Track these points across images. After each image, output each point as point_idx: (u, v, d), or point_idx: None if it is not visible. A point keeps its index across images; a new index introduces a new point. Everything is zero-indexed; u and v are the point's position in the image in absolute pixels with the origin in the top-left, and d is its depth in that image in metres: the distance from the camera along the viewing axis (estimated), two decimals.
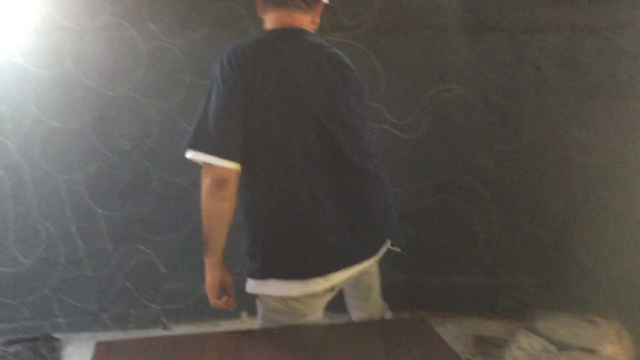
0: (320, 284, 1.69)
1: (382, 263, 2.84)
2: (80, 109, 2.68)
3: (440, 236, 2.86)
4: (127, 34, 2.64)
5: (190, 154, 1.59)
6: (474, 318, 2.91)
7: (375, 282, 2.29)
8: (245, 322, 2.97)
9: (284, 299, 1.70)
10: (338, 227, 1.70)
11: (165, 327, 2.95)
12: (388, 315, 2.40)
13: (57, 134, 2.69)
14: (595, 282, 2.76)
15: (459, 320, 2.92)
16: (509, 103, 2.69)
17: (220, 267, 1.76)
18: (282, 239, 1.69)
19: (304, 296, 1.73)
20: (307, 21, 1.75)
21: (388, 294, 2.86)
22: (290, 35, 1.71)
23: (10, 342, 2.78)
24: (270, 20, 1.73)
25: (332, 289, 1.74)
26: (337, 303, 2.75)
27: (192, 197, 2.77)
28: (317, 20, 1.79)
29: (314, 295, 1.71)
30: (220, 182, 1.61)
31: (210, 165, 1.57)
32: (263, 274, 1.69)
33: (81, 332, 2.91)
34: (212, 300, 1.79)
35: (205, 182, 1.60)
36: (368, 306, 2.30)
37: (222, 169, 1.59)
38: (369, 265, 1.83)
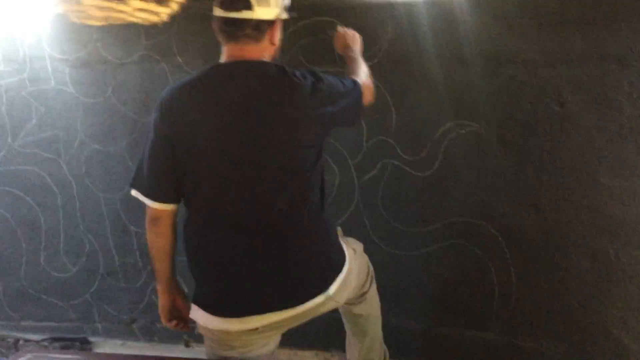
0: (236, 325, 1.71)
1: (394, 308, 2.72)
2: (118, 134, 2.94)
3: (453, 285, 2.59)
4: (158, 66, 2.83)
5: (132, 192, 1.75)
6: None
7: (371, 327, 2.26)
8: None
9: (208, 328, 1.75)
10: (254, 274, 1.70)
11: (186, 345, 3.07)
12: None
13: (98, 156, 2.97)
14: None
15: None
16: (528, 142, 2.37)
17: (169, 293, 1.88)
18: (202, 275, 1.77)
19: (222, 331, 1.74)
20: (261, 48, 1.72)
21: (401, 341, 2.71)
22: (229, 71, 1.70)
23: (54, 339, 3.11)
24: (223, 52, 1.74)
25: (256, 330, 1.72)
26: (337, 341, 2.66)
27: None
28: (276, 40, 1.75)
29: (236, 332, 1.72)
30: (153, 220, 1.77)
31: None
32: (193, 299, 1.78)
33: (114, 338, 3.15)
34: (163, 322, 1.92)
35: (146, 217, 1.77)
36: (363, 349, 2.28)
37: (154, 209, 1.73)
38: (309, 309, 1.76)
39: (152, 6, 1.20)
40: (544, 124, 2.34)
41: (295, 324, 1.83)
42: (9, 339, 3.11)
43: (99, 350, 3.06)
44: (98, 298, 3.13)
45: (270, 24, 1.70)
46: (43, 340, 3.10)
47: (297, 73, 1.71)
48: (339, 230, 1.98)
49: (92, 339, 3.14)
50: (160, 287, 1.86)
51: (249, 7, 1.64)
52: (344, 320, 2.27)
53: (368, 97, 1.95)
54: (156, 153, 1.69)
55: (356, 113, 1.88)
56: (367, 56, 2.55)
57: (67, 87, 2.94)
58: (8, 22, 2.89)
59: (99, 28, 2.83)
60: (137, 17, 1.21)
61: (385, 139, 2.59)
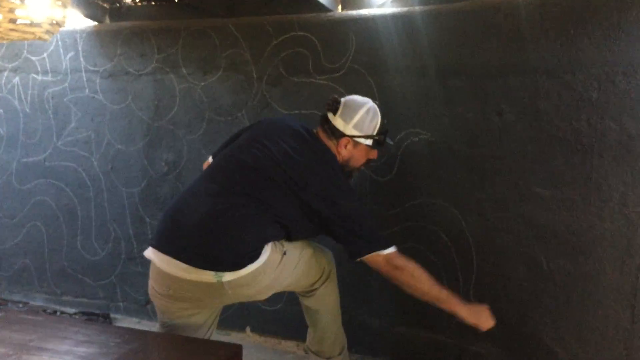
0: (150, 256, 2.10)
1: (361, 306, 2.88)
2: (136, 136, 3.36)
3: None
4: (167, 77, 3.22)
5: None
6: None
7: (322, 320, 2.48)
8: (249, 336, 3.24)
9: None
10: (182, 225, 2.06)
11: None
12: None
13: (121, 155, 3.42)
14: None
15: None
16: (472, 151, 2.43)
17: None
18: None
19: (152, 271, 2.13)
20: (331, 144, 2.23)
21: (365, 338, 2.86)
22: (301, 131, 2.21)
23: (83, 313, 3.59)
24: None
25: (169, 293, 2.08)
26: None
27: None
28: (343, 152, 2.21)
29: (158, 273, 2.08)
30: None
31: None
32: None
33: (132, 317, 3.56)
34: None
35: None
36: (315, 338, 2.50)
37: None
38: (202, 283, 2.02)
39: (22, 27, 1.50)
40: (486, 134, 2.40)
41: (206, 300, 2.12)
42: (49, 310, 3.64)
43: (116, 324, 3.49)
44: (121, 280, 3.56)
45: (341, 135, 2.19)
46: (75, 313, 3.60)
47: (338, 162, 2.21)
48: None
49: (115, 315, 3.59)
50: None
51: (334, 112, 2.20)
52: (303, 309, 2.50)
53: (386, 268, 2.22)
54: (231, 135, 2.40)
55: (338, 230, 2.14)
56: (336, 68, 2.77)
57: (98, 95, 3.42)
58: (54, 38, 3.43)
59: (122, 44, 3.29)
60: (11, 37, 1.50)
61: None
